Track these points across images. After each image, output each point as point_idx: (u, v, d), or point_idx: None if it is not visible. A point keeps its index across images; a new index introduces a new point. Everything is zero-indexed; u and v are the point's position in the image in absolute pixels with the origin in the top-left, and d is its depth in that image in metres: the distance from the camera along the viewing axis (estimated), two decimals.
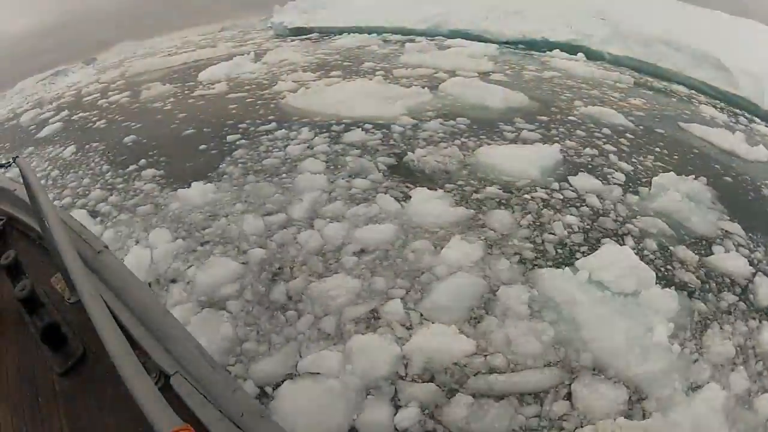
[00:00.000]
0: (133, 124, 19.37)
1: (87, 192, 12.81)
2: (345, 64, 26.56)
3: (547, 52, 25.42)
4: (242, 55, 30.63)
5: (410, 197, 10.00)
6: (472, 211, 9.47)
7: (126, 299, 2.79)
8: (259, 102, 19.73)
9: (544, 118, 14.99)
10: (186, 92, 24.09)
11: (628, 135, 13.95)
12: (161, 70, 33.48)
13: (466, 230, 8.92)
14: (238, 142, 15.11)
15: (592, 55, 25.15)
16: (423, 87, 18.03)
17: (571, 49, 25.70)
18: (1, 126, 28.50)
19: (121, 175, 13.42)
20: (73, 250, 2.17)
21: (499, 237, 8.72)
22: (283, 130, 15.70)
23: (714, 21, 25.61)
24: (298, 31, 44.21)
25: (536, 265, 8.00)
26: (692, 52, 22.43)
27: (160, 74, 31.82)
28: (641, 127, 14.85)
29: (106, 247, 3.09)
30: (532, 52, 26.82)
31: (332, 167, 12.11)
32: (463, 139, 13.33)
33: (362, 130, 14.11)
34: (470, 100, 16.28)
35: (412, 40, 31.73)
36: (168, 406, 1.61)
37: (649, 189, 10.36)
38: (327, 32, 42.17)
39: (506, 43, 28.84)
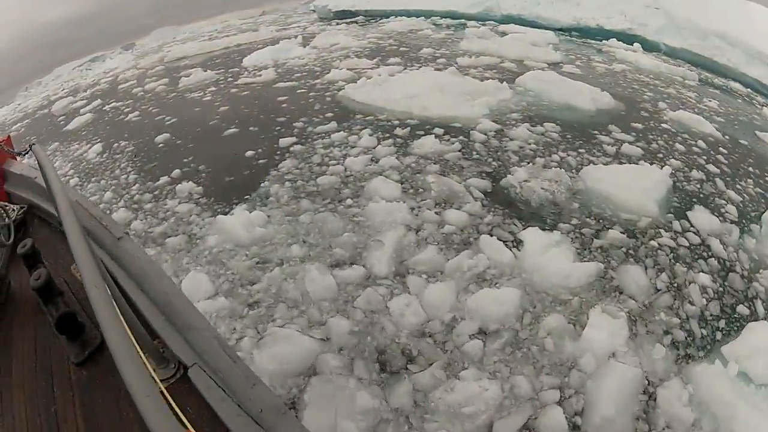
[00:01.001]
0: (168, 118, 16.41)
1: (108, 210, 9.87)
2: (402, 49, 23.58)
3: (604, 41, 24.35)
4: (288, 39, 27.53)
5: (522, 242, 7.87)
6: (600, 265, 7.49)
7: (146, 287, 2.69)
8: (311, 94, 16.53)
9: (638, 125, 13.01)
10: (229, 79, 21.16)
11: (721, 149, 12.27)
12: (201, 55, 31.14)
13: (602, 296, 7.08)
14: (288, 148, 12.04)
15: (648, 46, 24.04)
16: (501, 81, 15.51)
17: (627, 38, 24.55)
18: (32, 115, 27.01)
19: (150, 190, 11.15)
20: (82, 239, 1.96)
21: (641, 308, 6.98)
22: (342, 132, 12.55)
23: None
24: (343, 15, 42.07)
25: (688, 353, 6.56)
26: (747, 48, 21.46)
27: (200, 59, 29.42)
28: (727, 137, 13.25)
29: (127, 233, 2.94)
30: (590, 41, 25.56)
31: (410, 190, 9.48)
32: (560, 153, 10.95)
33: (436, 137, 11.61)
34: (554, 99, 14.09)
35: (463, 25, 30.28)
36: (170, 414, 1.34)
37: (760, 227, 9.16)
38: (373, 15, 40.25)
39: (560, 29, 27.42)
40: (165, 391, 2.05)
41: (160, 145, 13.83)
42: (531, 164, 10.27)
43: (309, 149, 11.80)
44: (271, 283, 7.29)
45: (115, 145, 14.91)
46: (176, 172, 11.48)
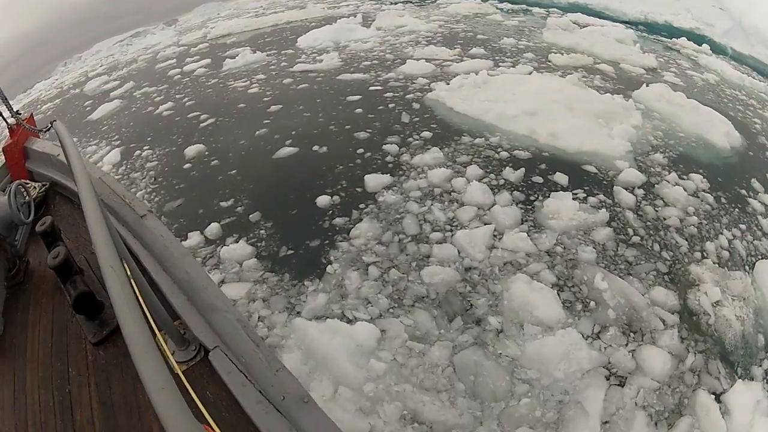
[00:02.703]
0: (204, 117, 12.06)
1: None
2: (480, 38, 18.96)
3: (674, 39, 22.68)
4: (347, 17, 22.69)
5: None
6: None
7: (168, 266, 2.54)
8: (390, 95, 11.95)
9: None
10: (282, 64, 16.69)
11: None
12: (248, 32, 26.88)
13: None
14: (374, 196, 7.81)
15: (716, 48, 22.23)
16: (618, 94, 12.15)
17: (695, 38, 22.85)
18: (66, 93, 23.84)
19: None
20: (100, 217, 1.77)
21: None
22: (443, 169, 8.40)
23: None
24: None
25: None
26: None
27: (246, 37, 25.25)
28: None
29: (151, 211, 2.78)
30: (661, 38, 23.46)
31: (576, 304, 5.98)
32: (725, 232, 7.58)
33: (573, 196, 7.86)
34: (687, 128, 10.78)
35: (528, 11, 27.40)
36: (185, 406, 1.15)
37: None
38: None
39: (627, 22, 25.46)
40: (183, 378, 1.98)
41: (188, 166, 9.56)
42: (706, 259, 7.00)
43: (399, 199, 7.57)
44: None
45: (135, 154, 10.90)
46: (206, 216, 7.44)
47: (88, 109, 17.70)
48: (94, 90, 21.20)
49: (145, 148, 11.10)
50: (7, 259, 3.10)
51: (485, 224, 6.94)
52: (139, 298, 1.89)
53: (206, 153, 9.78)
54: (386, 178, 8.01)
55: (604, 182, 8.27)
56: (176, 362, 2.19)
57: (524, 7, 28.55)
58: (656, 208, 7.72)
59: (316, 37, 19.13)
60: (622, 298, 5.92)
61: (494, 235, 6.78)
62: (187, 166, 9.42)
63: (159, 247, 2.57)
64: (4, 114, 4.05)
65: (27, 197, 3.59)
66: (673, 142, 10.04)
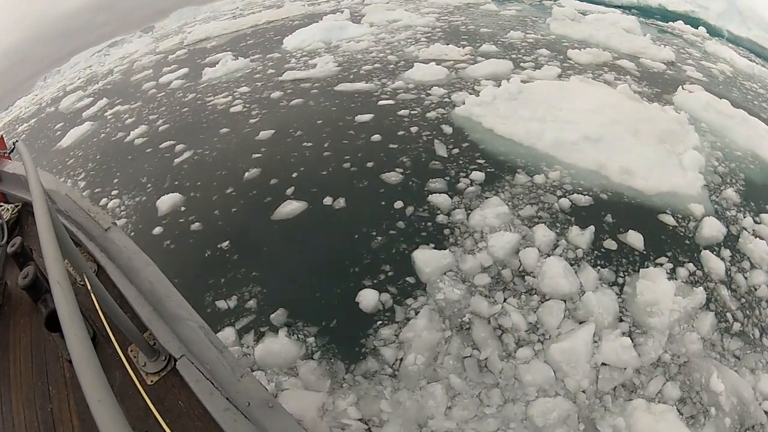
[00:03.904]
0: (180, 149, 9.64)
1: None
2: (483, 31, 16.57)
3: (671, 23, 21.93)
4: (332, 14, 20.12)
5: None
6: None
7: (133, 277, 2.45)
8: (405, 109, 9.45)
9: None
10: (269, 71, 14.16)
11: None
12: (226, 35, 24.31)
13: None
14: (418, 272, 5.70)
15: (711, 31, 21.71)
16: (666, 104, 10.42)
17: (691, 21, 22.27)
18: (41, 112, 21.87)
19: None
20: (51, 236, 1.72)
21: None
22: (508, 233, 6.24)
23: None
24: None
25: None
26: None
27: (226, 40, 22.68)
28: None
29: (115, 223, 2.68)
30: (657, 22, 22.51)
31: (692, 419, 4.47)
32: None
33: (667, 276, 5.79)
34: (742, 146, 9.11)
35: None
36: (123, 421, 1.12)
37: None
38: None
39: (621, 7, 25.00)
40: (143, 391, 1.97)
41: (162, 231, 7.00)
42: None
43: (463, 293, 5.26)
44: None
45: (103, 199, 8.46)
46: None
47: (58, 133, 15.75)
48: (68, 108, 19.43)
49: (112, 194, 8.73)
50: None
51: (579, 322, 4.86)
52: (100, 312, 2.04)
53: (183, 208, 7.24)
54: (442, 256, 5.62)
55: (686, 242, 6.41)
56: (149, 373, 2.11)
57: None
58: (744, 274, 6.13)
59: (304, 38, 16.54)
60: (735, 396, 4.67)
61: (594, 339, 4.73)
62: (159, 230, 6.88)
63: (124, 259, 2.48)
64: None
65: None
66: (734, 166, 8.43)
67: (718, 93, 11.44)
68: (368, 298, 5.13)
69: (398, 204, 6.52)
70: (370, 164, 7.39)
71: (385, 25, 18.05)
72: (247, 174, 7.68)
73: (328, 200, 6.70)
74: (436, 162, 7.42)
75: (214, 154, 8.90)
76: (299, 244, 6.05)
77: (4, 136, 4.26)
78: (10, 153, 3.67)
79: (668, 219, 6.64)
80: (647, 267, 5.81)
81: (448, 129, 8.42)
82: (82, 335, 1.30)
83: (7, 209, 3.74)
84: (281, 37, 18.07)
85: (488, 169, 7.34)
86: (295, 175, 7.34)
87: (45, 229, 1.74)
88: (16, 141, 3.13)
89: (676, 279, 5.74)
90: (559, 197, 6.82)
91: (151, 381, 2.11)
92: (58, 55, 36.42)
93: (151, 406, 1.91)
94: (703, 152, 8.46)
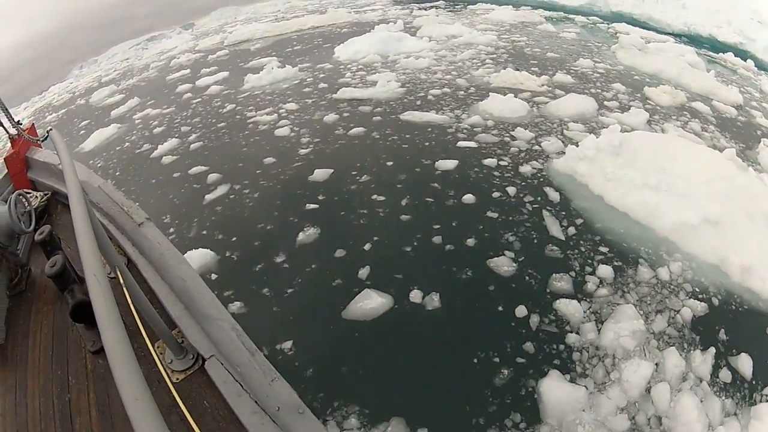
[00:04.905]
0: (214, 180, 7.82)
1: None
2: (550, 56, 14.94)
3: (721, 55, 21.30)
4: (386, 24, 18.25)
5: None
6: None
7: (164, 274, 2.31)
8: (491, 158, 7.53)
9: None
10: (321, 86, 12.21)
11: None
12: (270, 37, 22.97)
13: None
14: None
15: (759, 65, 21.06)
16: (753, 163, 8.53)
17: (739, 53, 21.75)
18: (73, 102, 20.77)
19: None
20: (87, 225, 1.61)
21: None
22: (639, 362, 4.36)
23: None
24: None
25: None
26: None
27: (270, 43, 21.36)
28: None
29: (148, 218, 2.54)
30: (709, 52, 21.74)
31: None
32: None
33: None
34: None
35: (570, 19, 24.49)
36: (160, 419, 1.00)
37: None
38: (456, 1, 30.75)
39: (671, 34, 24.34)
40: (172, 389, 1.89)
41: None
42: None
43: None
44: None
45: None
46: None
47: (83, 132, 14.36)
48: (98, 102, 18.24)
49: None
50: (9, 268, 2.79)
51: None
52: (132, 306, 1.91)
53: (215, 276, 5.31)
54: (578, 397, 3.73)
55: None
56: (174, 371, 2.00)
57: (564, 14, 26.07)
58: None
59: (358, 48, 14.68)
60: None
61: None
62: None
63: (156, 255, 2.34)
64: (5, 124, 3.63)
65: (28, 206, 3.21)
66: None
67: None
68: None
69: (521, 311, 4.48)
70: (470, 242, 5.35)
71: (444, 40, 16.16)
72: (301, 235, 5.69)
73: (416, 295, 4.70)
74: (554, 247, 5.43)
75: (256, 195, 6.95)
76: (383, 364, 4.04)
77: (34, 123, 4.09)
78: (43, 141, 3.51)
79: None
80: (755, 403, 4.28)
81: (553, 194, 6.55)
82: (119, 330, 1.19)
83: (36, 197, 3.55)
84: (331, 45, 16.26)
85: (615, 262, 5.40)
86: (368, 247, 5.33)
87: (81, 221, 1.63)
88: (50, 129, 3.06)
89: None
90: (683, 300, 5.20)
91: (177, 378, 1.96)
92: (96, 44, 35.54)
93: (179, 402, 1.77)
94: None
